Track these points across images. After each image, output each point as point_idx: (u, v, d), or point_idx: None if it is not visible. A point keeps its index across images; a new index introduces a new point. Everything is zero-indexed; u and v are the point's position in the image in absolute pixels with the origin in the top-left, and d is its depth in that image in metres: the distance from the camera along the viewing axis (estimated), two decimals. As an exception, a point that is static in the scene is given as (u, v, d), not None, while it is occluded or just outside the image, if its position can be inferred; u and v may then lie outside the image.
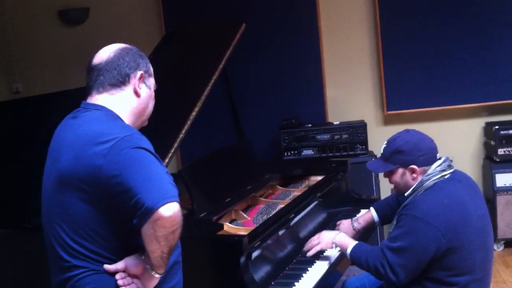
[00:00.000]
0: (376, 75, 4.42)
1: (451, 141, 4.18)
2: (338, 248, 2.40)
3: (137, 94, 1.71)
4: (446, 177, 2.18)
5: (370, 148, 4.16)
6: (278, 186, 3.17)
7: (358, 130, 4.13)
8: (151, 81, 1.78)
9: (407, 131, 2.30)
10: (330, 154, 4.13)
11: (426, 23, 4.22)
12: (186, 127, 2.67)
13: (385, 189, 4.13)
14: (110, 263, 1.58)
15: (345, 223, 2.66)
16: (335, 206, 3.09)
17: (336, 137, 4.16)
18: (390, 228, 2.31)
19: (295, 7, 4.41)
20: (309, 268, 2.37)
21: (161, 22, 4.53)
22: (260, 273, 2.23)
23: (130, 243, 1.60)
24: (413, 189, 2.20)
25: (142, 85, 1.73)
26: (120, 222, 1.55)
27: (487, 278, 2.21)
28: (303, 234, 2.69)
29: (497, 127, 4.03)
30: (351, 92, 4.49)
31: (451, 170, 2.21)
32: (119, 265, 1.58)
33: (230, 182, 2.82)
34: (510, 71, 4.16)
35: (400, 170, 2.23)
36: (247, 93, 4.28)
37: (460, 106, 4.23)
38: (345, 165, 3.28)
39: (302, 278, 2.28)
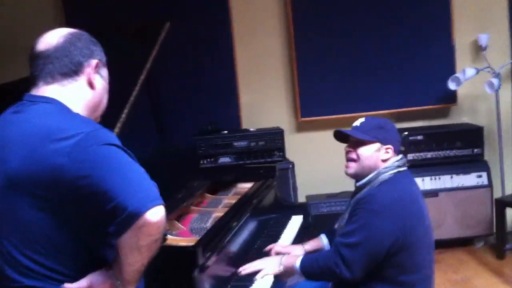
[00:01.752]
0: (290, 82, 4.43)
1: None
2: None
3: (91, 85, 1.51)
4: (401, 172, 2.16)
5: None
6: (207, 194, 3.02)
7: (275, 137, 4.08)
8: (106, 72, 1.57)
9: (385, 118, 2.29)
10: (247, 161, 4.04)
11: (340, 31, 4.31)
12: (116, 130, 2.45)
13: (302, 196, 4.14)
14: (70, 282, 1.35)
15: (296, 246, 2.52)
16: (264, 213, 2.99)
17: (252, 144, 4.07)
18: (340, 223, 2.25)
19: (208, 12, 4.30)
20: (254, 282, 2.23)
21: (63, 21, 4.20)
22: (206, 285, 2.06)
23: (96, 257, 1.38)
24: (368, 180, 2.15)
25: (97, 76, 1.52)
26: (86, 232, 1.34)
27: (432, 277, 2.22)
28: (241, 243, 2.54)
29: (406, 133, 4.18)
30: (266, 98, 4.46)
31: (405, 168, 2.20)
32: (82, 283, 1.36)
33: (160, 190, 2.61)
34: (416, 81, 4.35)
35: (377, 145, 2.16)
36: (165, 99, 4.07)
37: (371, 113, 4.33)
38: (274, 171, 3.21)
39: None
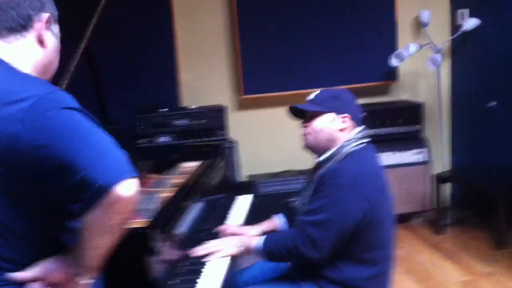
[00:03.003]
0: (233, 58, 4.29)
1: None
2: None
3: (42, 43, 1.31)
4: (363, 145, 2.09)
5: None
6: (151, 174, 2.84)
7: (217, 115, 3.95)
8: (57, 29, 1.37)
9: (344, 88, 2.19)
10: (189, 141, 3.88)
11: (284, 8, 4.21)
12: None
13: (244, 176, 4.03)
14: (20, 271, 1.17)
15: (251, 227, 2.39)
16: (213, 193, 2.86)
17: (193, 122, 3.92)
18: (302, 200, 2.15)
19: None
20: (207, 264, 2.11)
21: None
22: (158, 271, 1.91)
23: (54, 243, 1.21)
24: (331, 154, 2.06)
25: (48, 33, 1.33)
26: (45, 214, 1.17)
27: (393, 254, 2.18)
28: (192, 225, 2.41)
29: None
30: (207, 75, 4.30)
31: (368, 139, 2.13)
32: (32, 272, 1.18)
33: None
34: (359, 58, 4.33)
35: (331, 115, 2.06)
36: (103, 77, 3.82)
37: (314, 90, 4.26)
38: (221, 149, 3.08)
39: (201, 273, 2.02)
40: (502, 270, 3.39)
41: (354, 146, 2.06)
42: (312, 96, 2.14)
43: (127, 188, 1.12)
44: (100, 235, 1.16)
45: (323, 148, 2.10)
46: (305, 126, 2.14)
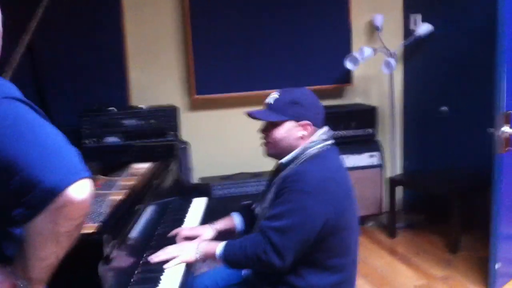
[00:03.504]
0: (184, 58, 4.14)
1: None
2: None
3: None
4: (328, 147, 2.00)
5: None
6: (99, 175, 2.66)
7: (168, 115, 3.77)
8: None
9: (305, 88, 2.06)
10: (138, 141, 3.70)
11: (238, 8, 4.11)
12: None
13: (195, 178, 3.89)
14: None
15: (205, 227, 2.26)
16: (165, 196, 2.70)
17: (143, 122, 3.74)
18: (262, 204, 2.04)
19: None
20: (165, 271, 1.96)
21: None
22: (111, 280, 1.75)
23: None
24: (293, 156, 1.95)
25: None
26: None
27: (356, 260, 2.10)
28: (144, 229, 2.25)
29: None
30: (157, 74, 4.13)
31: (333, 141, 2.04)
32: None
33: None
34: (313, 60, 4.27)
35: (290, 124, 1.95)
36: (47, 75, 3.58)
37: (268, 92, 4.13)
38: (173, 150, 2.93)
39: (160, 280, 1.87)
40: (456, 274, 3.39)
41: (318, 148, 1.96)
42: (271, 100, 2.01)
43: (80, 190, 0.98)
44: (46, 244, 1.01)
45: (285, 153, 1.99)
46: (263, 135, 2.03)
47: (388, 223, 4.10)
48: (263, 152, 2.06)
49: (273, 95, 2.02)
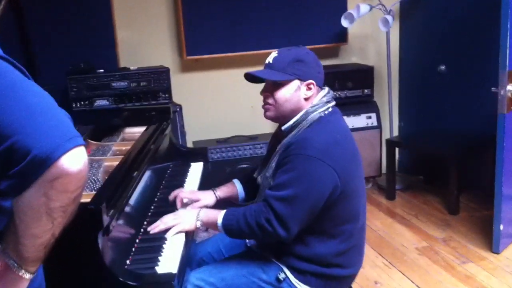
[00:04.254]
0: (174, 17, 3.96)
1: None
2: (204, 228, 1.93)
3: None
4: (330, 109, 1.88)
5: (170, 97, 3.70)
6: (90, 140, 2.53)
7: (159, 77, 3.62)
8: None
9: (299, 46, 1.92)
10: (128, 104, 3.55)
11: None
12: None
13: (189, 142, 3.77)
14: None
15: (206, 192, 2.14)
16: (161, 161, 2.58)
17: (134, 84, 3.58)
18: (264, 173, 1.93)
19: None
20: (166, 237, 1.86)
21: None
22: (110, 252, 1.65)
23: None
24: (295, 122, 1.83)
25: None
26: None
27: (365, 225, 2.01)
28: (142, 197, 2.14)
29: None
30: (146, 34, 3.96)
31: (334, 102, 1.92)
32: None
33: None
34: (307, 19, 4.11)
35: (296, 83, 1.82)
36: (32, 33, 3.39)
37: (262, 52, 4.02)
38: (168, 113, 2.80)
39: (163, 249, 1.78)
40: (457, 235, 3.35)
41: (320, 112, 1.84)
42: (270, 59, 1.86)
43: (74, 159, 0.86)
44: (39, 221, 0.89)
45: (287, 118, 1.87)
46: (266, 96, 1.89)
47: (387, 185, 4.03)
48: (265, 115, 1.92)
49: (272, 55, 1.88)
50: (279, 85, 1.83)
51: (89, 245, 1.45)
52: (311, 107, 1.84)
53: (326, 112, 1.85)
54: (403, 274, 2.95)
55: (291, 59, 1.84)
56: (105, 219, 1.49)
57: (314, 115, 1.83)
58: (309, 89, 1.84)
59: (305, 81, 1.83)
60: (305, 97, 1.84)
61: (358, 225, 1.92)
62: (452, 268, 2.98)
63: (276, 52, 1.88)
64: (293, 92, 1.83)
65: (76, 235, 1.43)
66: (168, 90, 3.61)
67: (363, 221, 1.96)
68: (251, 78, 1.93)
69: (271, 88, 1.86)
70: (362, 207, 1.94)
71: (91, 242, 1.45)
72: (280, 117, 1.88)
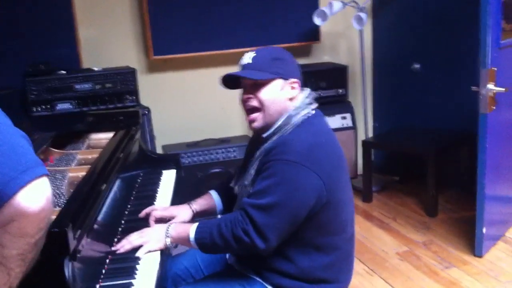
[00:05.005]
0: (139, 14, 3.76)
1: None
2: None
3: None
4: (313, 111, 1.75)
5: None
6: (52, 148, 2.33)
7: (126, 78, 3.41)
8: None
9: (273, 46, 1.81)
10: (93, 108, 3.34)
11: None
12: None
13: (158, 146, 3.59)
14: None
15: (181, 207, 1.97)
16: (131, 170, 2.40)
17: (98, 86, 3.37)
18: (242, 182, 1.78)
19: None
20: (139, 256, 1.69)
21: None
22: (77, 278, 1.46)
23: None
24: (277, 128, 1.69)
25: None
26: None
27: (354, 236, 1.88)
28: (111, 212, 1.95)
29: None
30: (110, 33, 3.75)
31: (317, 104, 1.78)
32: None
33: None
34: (278, 17, 3.98)
35: (279, 82, 1.69)
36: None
37: (232, 51, 3.87)
38: (136, 117, 2.62)
39: (137, 271, 1.60)
40: (437, 238, 3.26)
41: (304, 114, 1.71)
42: (248, 59, 1.72)
43: (34, 195, 0.70)
44: None
45: (272, 123, 1.72)
46: (248, 98, 1.74)
47: (364, 187, 3.92)
48: (252, 126, 1.75)
49: (249, 54, 1.74)
50: (261, 85, 1.69)
51: (54, 274, 1.26)
52: (293, 110, 1.71)
53: (309, 114, 1.72)
54: (386, 281, 2.84)
55: (271, 57, 1.72)
56: (72, 242, 1.30)
57: (296, 119, 1.69)
58: (293, 88, 1.72)
59: (287, 79, 1.70)
60: (290, 97, 1.71)
61: (346, 236, 1.79)
62: (435, 273, 2.89)
63: (254, 52, 1.74)
64: (278, 91, 1.70)
65: (39, 262, 1.25)
66: (135, 92, 3.41)
67: (351, 231, 1.83)
68: (227, 82, 1.79)
69: (253, 89, 1.71)
70: (350, 215, 1.81)
71: (56, 270, 1.26)
72: (269, 125, 1.72)
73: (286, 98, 1.71)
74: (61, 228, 1.28)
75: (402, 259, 3.05)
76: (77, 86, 3.31)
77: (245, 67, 1.73)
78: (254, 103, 1.71)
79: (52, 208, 0.74)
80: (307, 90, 1.78)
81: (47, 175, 0.72)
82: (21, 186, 0.67)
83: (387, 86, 4.33)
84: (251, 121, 1.74)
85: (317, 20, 3.89)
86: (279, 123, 1.70)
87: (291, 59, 1.76)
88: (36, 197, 0.69)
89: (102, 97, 3.35)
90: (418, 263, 3.00)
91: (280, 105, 1.70)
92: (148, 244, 1.70)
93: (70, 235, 1.29)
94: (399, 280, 2.84)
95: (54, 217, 1.39)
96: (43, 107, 3.24)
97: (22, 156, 0.70)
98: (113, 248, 1.70)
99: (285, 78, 1.70)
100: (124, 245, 1.70)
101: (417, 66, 3.99)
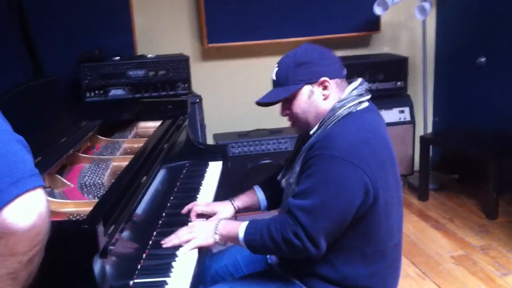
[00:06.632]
0: (194, 2, 3.72)
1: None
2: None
3: None
4: (363, 105, 1.64)
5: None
6: (99, 136, 2.33)
7: (179, 65, 3.38)
8: None
9: (302, 45, 1.69)
10: (145, 95, 3.34)
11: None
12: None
13: (209, 135, 3.55)
14: None
15: (224, 203, 1.92)
16: (176, 161, 2.36)
17: (151, 73, 3.36)
18: (288, 178, 1.70)
19: None
20: (177, 253, 1.64)
21: None
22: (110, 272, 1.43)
23: None
24: (322, 121, 1.60)
25: None
26: None
27: (401, 244, 1.76)
28: (151, 204, 1.92)
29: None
30: (165, 21, 3.73)
31: (369, 96, 1.67)
32: None
33: (36, 134, 1.90)
34: (336, 5, 3.83)
35: (307, 89, 1.61)
36: (39, 21, 3.17)
37: (286, 40, 3.78)
38: (185, 106, 2.59)
39: (173, 269, 1.56)
40: (496, 243, 3.07)
41: (349, 106, 1.60)
42: (273, 75, 1.66)
43: (24, 210, 0.63)
44: None
45: (316, 123, 1.64)
46: (285, 115, 1.70)
47: (420, 185, 3.76)
48: (293, 128, 1.75)
49: (274, 70, 1.67)
50: (291, 99, 1.64)
51: (83, 271, 1.24)
52: (338, 102, 1.61)
53: (358, 107, 1.61)
54: (438, 286, 2.70)
55: (295, 63, 1.63)
56: (102, 240, 1.27)
57: (342, 111, 1.59)
58: (325, 87, 1.61)
59: (315, 82, 1.61)
60: (324, 96, 1.62)
61: (392, 243, 1.67)
62: (492, 280, 2.72)
63: (276, 65, 1.67)
64: (307, 99, 1.62)
65: (69, 258, 1.23)
66: (187, 79, 3.38)
67: (398, 237, 1.71)
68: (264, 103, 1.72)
69: (285, 104, 1.67)
70: (397, 220, 1.69)
71: (85, 267, 1.23)
72: (308, 127, 1.66)
73: (320, 100, 1.62)
74: (92, 225, 1.26)
75: (457, 264, 2.90)
76: (130, 73, 3.31)
77: (273, 83, 1.68)
78: (289, 116, 1.68)
79: (48, 223, 0.68)
80: (357, 81, 1.67)
81: (42, 186, 0.66)
82: (8, 201, 0.62)
83: (449, 80, 4.12)
84: (291, 125, 1.72)
85: (377, 9, 3.72)
86: (323, 119, 1.61)
87: (316, 56, 1.64)
88: (26, 213, 0.63)
89: (154, 84, 3.34)
90: (474, 268, 2.84)
91: (314, 110, 1.63)
92: (196, 240, 1.67)
93: (101, 232, 1.26)
94: (452, 286, 2.70)
95: (89, 208, 1.37)
96: (96, 92, 3.27)
97: (13, 165, 0.65)
98: (162, 241, 1.67)
99: (312, 82, 1.61)
100: (172, 239, 1.67)
101: (482, 60, 3.76)
